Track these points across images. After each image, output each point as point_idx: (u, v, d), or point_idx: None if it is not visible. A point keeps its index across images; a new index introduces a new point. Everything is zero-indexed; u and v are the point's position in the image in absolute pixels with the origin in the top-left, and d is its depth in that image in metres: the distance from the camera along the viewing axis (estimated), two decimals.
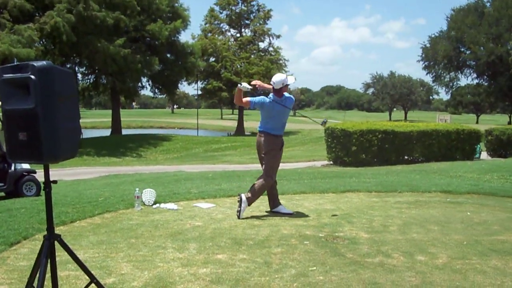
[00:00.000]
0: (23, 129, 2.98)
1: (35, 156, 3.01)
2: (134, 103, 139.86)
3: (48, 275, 3.20)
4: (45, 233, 3.24)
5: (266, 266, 4.82)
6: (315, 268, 4.77)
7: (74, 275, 4.40)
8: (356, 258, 5.10)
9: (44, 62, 2.95)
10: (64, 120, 3.02)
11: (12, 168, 12.52)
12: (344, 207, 7.96)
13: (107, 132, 49.55)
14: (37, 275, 3.11)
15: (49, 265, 3.21)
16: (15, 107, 3.00)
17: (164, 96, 63.63)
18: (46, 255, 3.16)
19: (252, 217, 7.09)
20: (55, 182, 3.28)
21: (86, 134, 47.21)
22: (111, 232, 6.16)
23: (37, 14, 35.63)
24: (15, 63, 3.09)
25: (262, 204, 7.93)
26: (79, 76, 45.37)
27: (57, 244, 3.25)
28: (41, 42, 35.96)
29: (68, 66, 41.76)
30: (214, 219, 6.92)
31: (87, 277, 3.46)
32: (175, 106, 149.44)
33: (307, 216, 7.22)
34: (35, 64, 2.90)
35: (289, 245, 5.56)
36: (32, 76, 2.88)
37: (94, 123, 77.97)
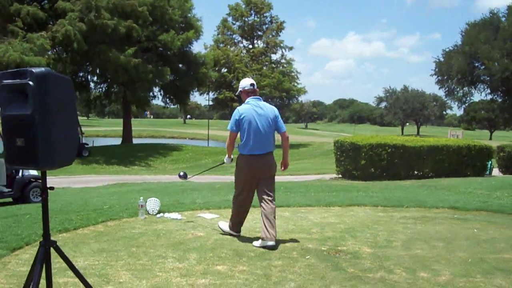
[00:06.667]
0: (20, 134, 2.99)
1: (31, 162, 3.01)
2: (147, 113, 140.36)
3: (44, 281, 3.19)
4: None
5: (265, 278, 4.79)
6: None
7: (73, 282, 4.39)
8: (357, 273, 5.04)
9: (43, 69, 2.95)
10: (61, 127, 3.02)
11: (20, 174, 12.58)
12: (349, 221, 7.90)
13: (118, 141, 49.67)
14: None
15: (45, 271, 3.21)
16: (14, 113, 3.00)
17: (176, 106, 63.63)
18: (41, 261, 3.15)
19: (255, 229, 7.06)
20: (52, 188, 3.28)
21: (98, 142, 47.43)
22: (113, 240, 6.16)
23: (50, 23, 35.89)
24: (15, 69, 3.10)
25: None
26: (91, 84, 45.59)
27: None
28: (54, 51, 36.15)
29: (80, 74, 41.99)
30: (217, 230, 6.89)
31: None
32: (187, 117, 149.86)
33: (310, 229, 7.17)
34: (33, 70, 2.90)
35: (290, 258, 5.52)
36: (31, 82, 2.89)
37: (106, 131, 78.38)
